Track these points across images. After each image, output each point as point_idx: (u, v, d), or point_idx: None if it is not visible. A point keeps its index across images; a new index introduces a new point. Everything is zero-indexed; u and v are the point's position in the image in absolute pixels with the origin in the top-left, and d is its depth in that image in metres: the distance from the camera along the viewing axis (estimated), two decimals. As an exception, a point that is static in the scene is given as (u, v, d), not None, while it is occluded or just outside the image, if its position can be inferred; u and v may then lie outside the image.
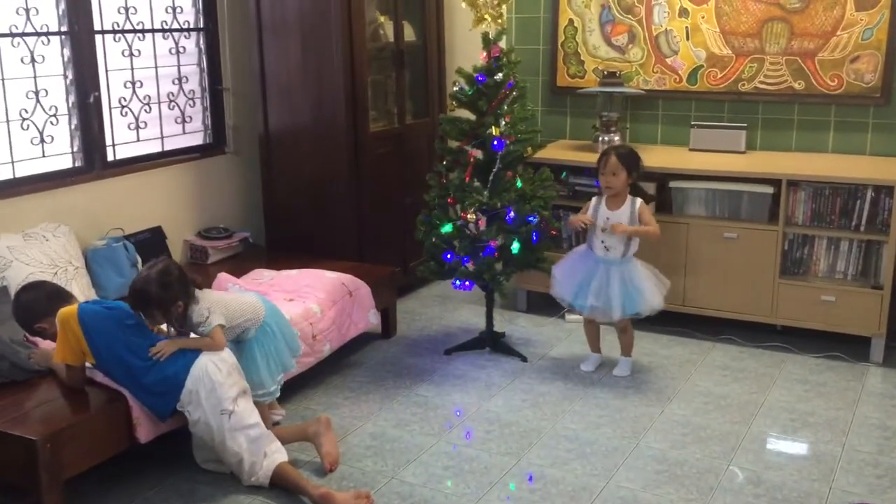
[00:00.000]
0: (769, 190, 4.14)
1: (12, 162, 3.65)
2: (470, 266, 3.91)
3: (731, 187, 4.21)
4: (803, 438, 3.34)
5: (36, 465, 2.61)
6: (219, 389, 2.89)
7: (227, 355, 3.00)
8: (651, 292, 3.73)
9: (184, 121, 4.46)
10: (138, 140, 4.21)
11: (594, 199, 3.82)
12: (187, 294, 2.98)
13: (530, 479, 3.05)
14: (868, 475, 3.07)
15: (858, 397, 3.67)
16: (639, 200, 3.76)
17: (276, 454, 2.98)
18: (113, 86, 4.04)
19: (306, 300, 3.76)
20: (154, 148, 4.31)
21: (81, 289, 3.57)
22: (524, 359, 4.07)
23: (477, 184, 3.89)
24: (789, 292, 4.11)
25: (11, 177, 3.65)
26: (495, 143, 3.81)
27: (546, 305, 4.43)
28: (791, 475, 3.07)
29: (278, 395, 3.28)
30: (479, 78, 3.84)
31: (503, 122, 3.84)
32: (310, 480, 2.97)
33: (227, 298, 3.19)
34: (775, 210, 4.13)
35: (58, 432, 2.67)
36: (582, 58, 4.90)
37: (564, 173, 4.52)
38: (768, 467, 3.12)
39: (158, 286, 2.90)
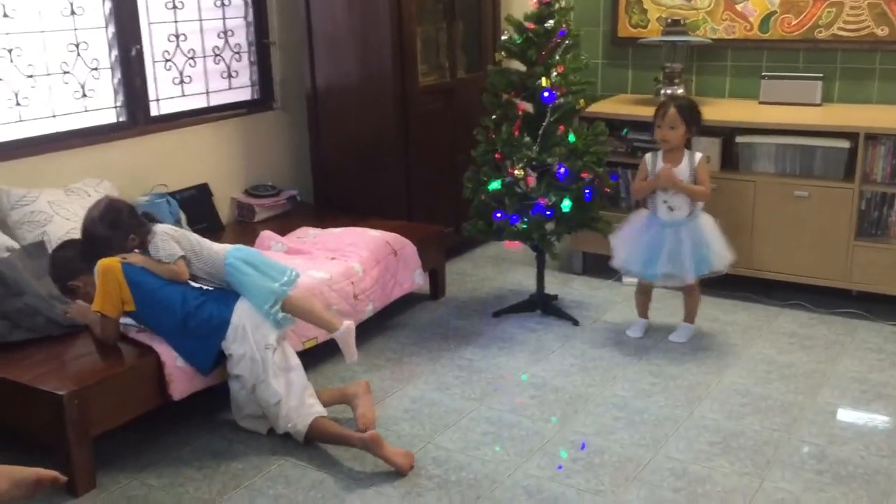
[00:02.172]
0: (845, 144, 3.83)
1: (54, 116, 3.62)
2: (519, 225, 3.73)
3: (803, 142, 3.91)
4: (873, 411, 3.09)
5: (63, 422, 2.57)
6: (263, 326, 2.89)
7: None
8: (722, 247, 3.50)
9: (230, 75, 4.37)
10: (183, 95, 4.14)
11: (649, 156, 3.59)
12: (140, 226, 2.94)
13: (583, 446, 2.90)
14: (945, 453, 2.81)
15: (938, 369, 3.38)
16: (698, 155, 3.52)
17: (316, 406, 2.93)
18: (156, 39, 3.97)
19: (348, 259, 3.65)
20: (199, 103, 4.23)
21: (122, 245, 3.53)
22: (576, 322, 3.89)
23: (527, 139, 3.70)
24: (865, 255, 3.82)
25: (53, 131, 3.62)
26: (545, 95, 3.60)
27: (602, 268, 4.22)
28: (858, 450, 2.83)
29: (286, 323, 3.01)
30: (529, 26, 3.63)
31: (554, 73, 3.63)
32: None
33: (192, 243, 3.04)
34: (851, 166, 3.82)
35: (85, 388, 2.63)
36: (645, 5, 4.63)
37: (626, 130, 4.29)
38: (832, 441, 2.89)
39: (106, 226, 2.89)
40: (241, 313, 2.90)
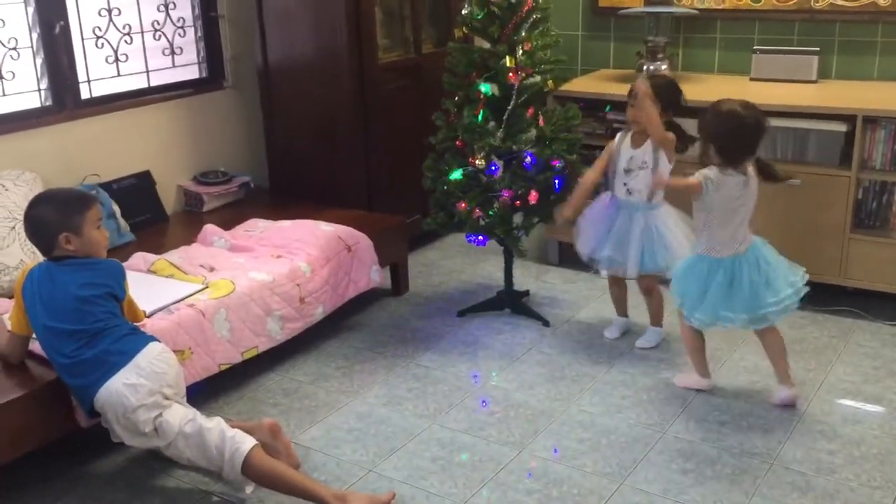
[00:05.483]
0: (842, 128, 3.48)
1: (-35, 102, 3.29)
2: (483, 218, 3.41)
3: (795, 124, 3.56)
4: (867, 431, 2.78)
5: (-51, 457, 2.29)
6: (132, 415, 2.40)
7: (159, 361, 2.47)
8: (678, 246, 3.14)
9: (172, 52, 4.01)
10: (118, 75, 3.79)
11: (619, 135, 3.25)
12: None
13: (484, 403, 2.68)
14: (945, 484, 2.52)
15: (940, 379, 3.08)
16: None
17: (240, 442, 2.41)
18: (84, 14, 3.60)
19: (295, 257, 3.33)
20: (138, 84, 3.88)
21: (45, 244, 3.21)
22: (546, 323, 3.58)
23: (491, 124, 3.36)
24: (862, 249, 3.49)
25: (-34, 118, 3.30)
26: (510, 75, 3.26)
27: (580, 258, 3.91)
28: (847, 480, 2.54)
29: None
30: (493, -1, 3.28)
31: (520, 51, 3.28)
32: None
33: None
34: (849, 152, 3.48)
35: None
36: (627, -27, 4.25)
37: (609, 107, 3.93)
38: (820, 469, 2.59)
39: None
40: (104, 402, 2.41)
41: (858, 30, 3.83)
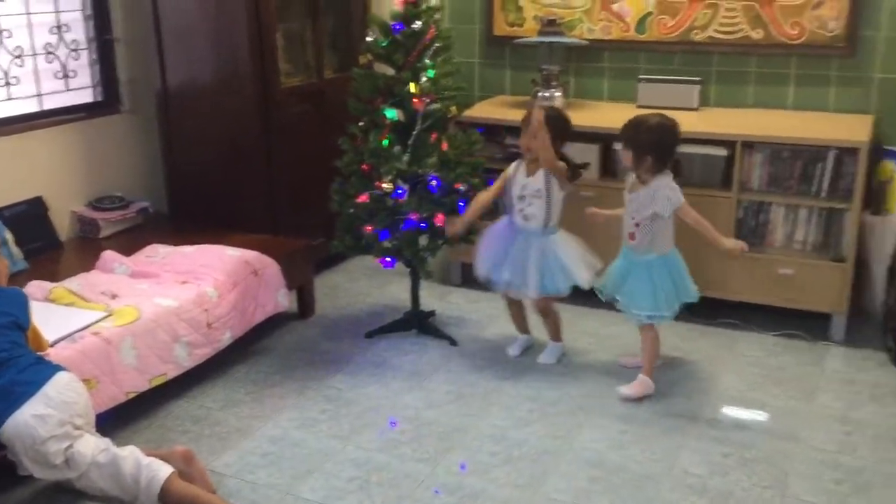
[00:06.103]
0: (722, 152, 3.74)
1: None
2: (389, 241, 3.47)
3: (680, 149, 3.77)
4: (755, 435, 2.98)
5: None
6: (42, 447, 2.34)
7: (68, 391, 2.42)
8: (576, 268, 3.32)
9: (66, 76, 3.91)
10: (9, 98, 3.67)
11: (513, 165, 3.41)
12: None
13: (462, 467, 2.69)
14: (826, 480, 2.72)
15: (817, 384, 3.32)
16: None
17: (157, 469, 2.40)
18: (-27, 36, 3.50)
19: (201, 282, 3.30)
20: (29, 107, 3.76)
21: (-67, 274, 3.07)
22: (453, 342, 3.67)
23: (396, 148, 3.43)
24: (743, 265, 3.74)
25: None
26: (415, 101, 3.35)
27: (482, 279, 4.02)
28: (740, 481, 2.72)
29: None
30: (396, 27, 3.37)
31: (423, 78, 3.38)
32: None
33: None
34: (729, 174, 3.74)
35: None
36: (520, 3, 4.43)
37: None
38: (714, 472, 2.76)
39: None
40: (12, 430, 2.33)
41: (734, 61, 4.12)
